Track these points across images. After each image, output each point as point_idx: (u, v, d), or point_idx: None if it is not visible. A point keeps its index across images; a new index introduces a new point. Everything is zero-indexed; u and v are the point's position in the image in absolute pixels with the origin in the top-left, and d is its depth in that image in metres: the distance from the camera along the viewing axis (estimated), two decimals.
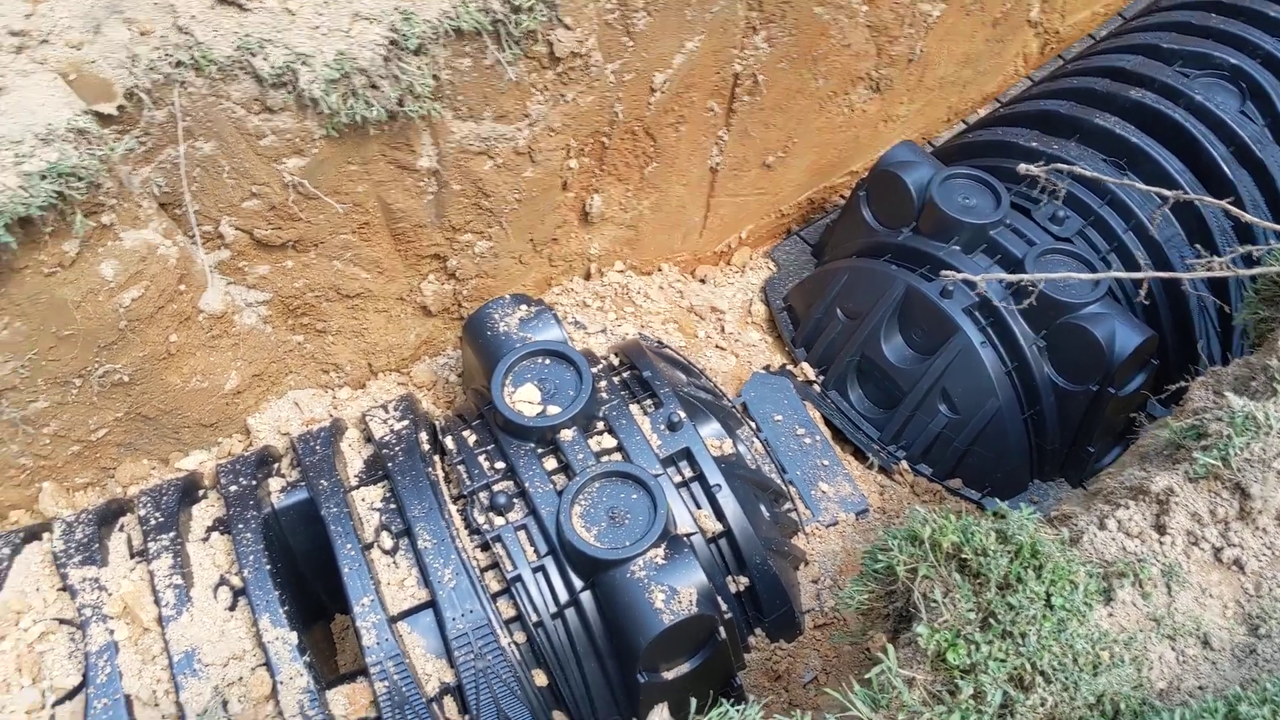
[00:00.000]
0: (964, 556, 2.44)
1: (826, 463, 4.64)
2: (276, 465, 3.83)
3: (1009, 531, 2.47)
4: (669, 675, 3.35)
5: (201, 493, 3.76)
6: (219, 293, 3.98)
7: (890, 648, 2.35)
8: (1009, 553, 2.42)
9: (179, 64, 3.40)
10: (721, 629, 3.34)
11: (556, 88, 4.02)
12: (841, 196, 6.15)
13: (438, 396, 4.69)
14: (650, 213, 5.03)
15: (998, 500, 4.87)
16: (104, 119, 3.33)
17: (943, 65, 5.96)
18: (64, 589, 3.35)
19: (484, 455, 3.73)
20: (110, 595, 3.28)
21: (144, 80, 3.37)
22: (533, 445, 3.67)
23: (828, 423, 5.02)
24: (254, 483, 3.62)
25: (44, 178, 3.11)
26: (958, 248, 4.92)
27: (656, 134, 4.62)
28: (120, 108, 3.35)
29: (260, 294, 4.13)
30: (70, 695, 3.14)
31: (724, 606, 3.43)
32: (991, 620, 2.32)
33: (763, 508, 3.97)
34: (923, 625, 2.36)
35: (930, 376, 4.83)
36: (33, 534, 3.61)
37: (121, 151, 3.35)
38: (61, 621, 3.29)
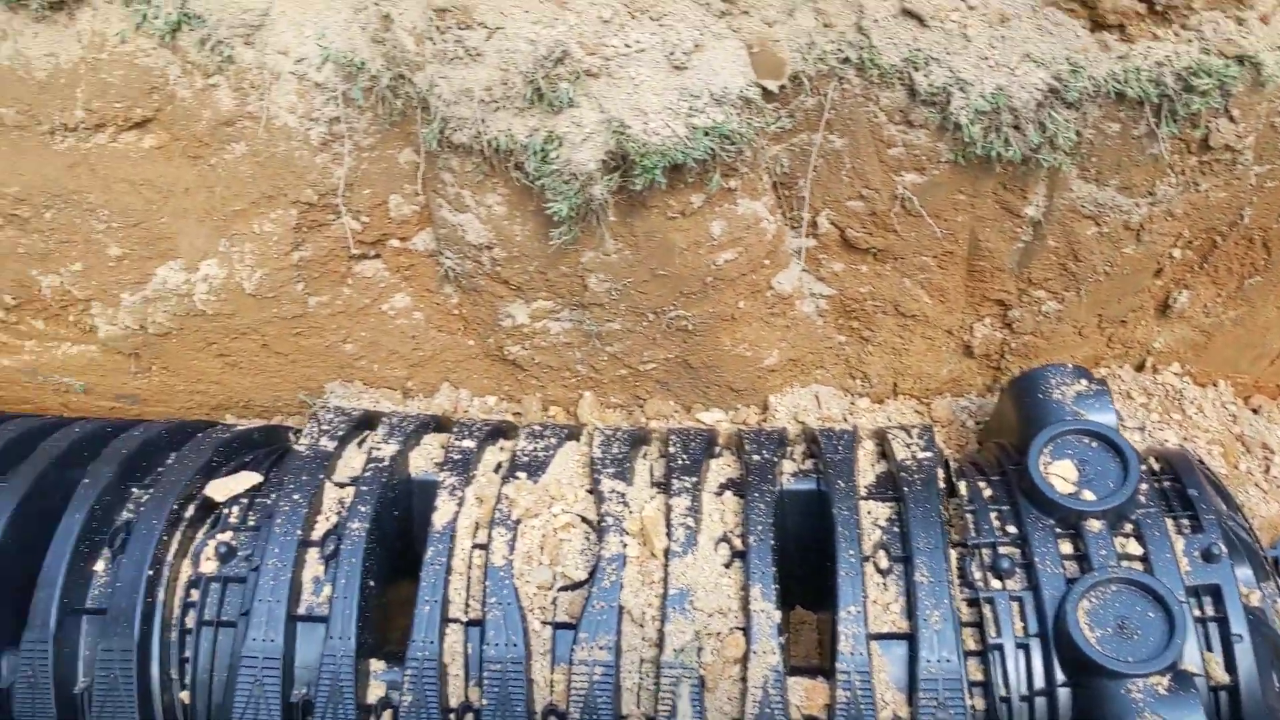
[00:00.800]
0: None
1: None
2: (790, 449, 3.99)
3: None
4: None
5: (718, 449, 4.00)
6: (793, 276, 4.18)
7: None
8: None
9: (845, 60, 3.59)
10: None
11: (1193, 174, 3.80)
12: None
13: (949, 436, 4.66)
14: (1231, 325, 4.65)
15: None
16: (766, 94, 3.58)
17: None
18: (591, 492, 3.70)
19: (996, 514, 3.65)
20: (631, 513, 3.57)
21: (810, 68, 3.59)
22: (1053, 523, 3.53)
23: None
24: (774, 459, 3.79)
25: (706, 134, 3.41)
26: None
27: (1274, 248, 4.25)
28: (781, 87, 3.60)
29: (826, 288, 4.30)
30: (574, 586, 3.48)
31: None
32: None
33: (1275, 675, 3.58)
34: None
35: None
36: (572, 434, 4.02)
37: (772, 128, 3.60)
38: (583, 520, 3.64)
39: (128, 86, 3.80)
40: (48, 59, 3.80)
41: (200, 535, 3.78)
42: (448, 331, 4.54)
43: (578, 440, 3.99)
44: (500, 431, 4.13)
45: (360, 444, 4.01)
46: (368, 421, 4.11)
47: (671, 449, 3.83)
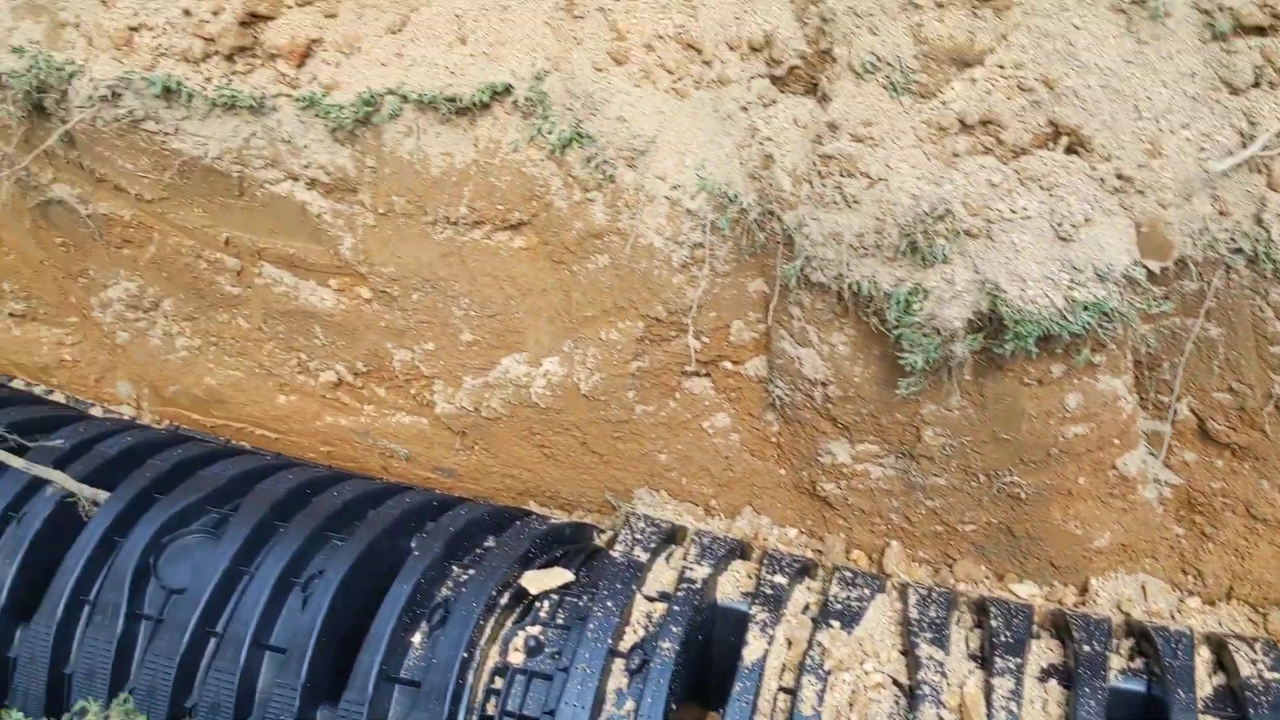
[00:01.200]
0: None
1: None
2: (1117, 642, 3.75)
3: None
4: None
5: (1036, 629, 3.80)
6: (1139, 459, 3.98)
7: None
8: None
9: (1238, 250, 3.42)
10: None
11: None
12: None
13: None
14: None
15: None
16: (1149, 274, 3.45)
17: None
18: (904, 654, 3.59)
19: None
20: (949, 685, 3.43)
21: (1199, 253, 3.45)
22: None
23: None
24: (1103, 651, 3.57)
25: (1085, 308, 3.31)
26: None
27: None
28: (1165, 269, 3.46)
29: (1173, 476, 4.07)
30: None
31: None
32: None
33: None
34: None
35: None
36: (880, 586, 3.92)
37: (1153, 309, 3.46)
38: (895, 682, 3.52)
39: (511, 191, 4.06)
40: (444, 158, 4.11)
41: (509, 624, 3.90)
42: (760, 457, 4.55)
43: (886, 593, 3.89)
44: (806, 569, 4.08)
45: (668, 558, 4.05)
46: (673, 535, 4.15)
47: (993, 622, 3.67)
